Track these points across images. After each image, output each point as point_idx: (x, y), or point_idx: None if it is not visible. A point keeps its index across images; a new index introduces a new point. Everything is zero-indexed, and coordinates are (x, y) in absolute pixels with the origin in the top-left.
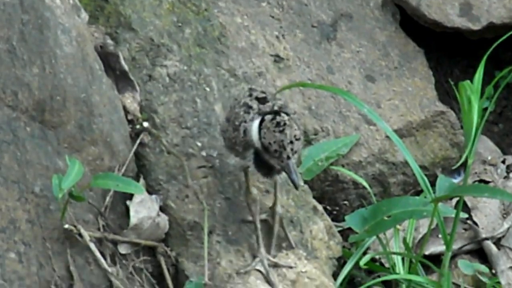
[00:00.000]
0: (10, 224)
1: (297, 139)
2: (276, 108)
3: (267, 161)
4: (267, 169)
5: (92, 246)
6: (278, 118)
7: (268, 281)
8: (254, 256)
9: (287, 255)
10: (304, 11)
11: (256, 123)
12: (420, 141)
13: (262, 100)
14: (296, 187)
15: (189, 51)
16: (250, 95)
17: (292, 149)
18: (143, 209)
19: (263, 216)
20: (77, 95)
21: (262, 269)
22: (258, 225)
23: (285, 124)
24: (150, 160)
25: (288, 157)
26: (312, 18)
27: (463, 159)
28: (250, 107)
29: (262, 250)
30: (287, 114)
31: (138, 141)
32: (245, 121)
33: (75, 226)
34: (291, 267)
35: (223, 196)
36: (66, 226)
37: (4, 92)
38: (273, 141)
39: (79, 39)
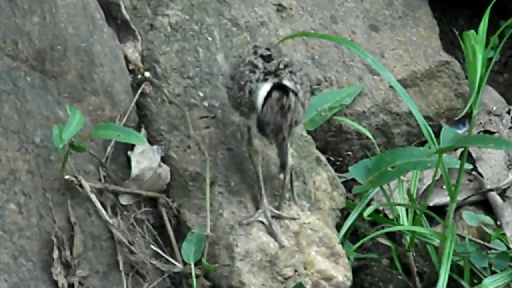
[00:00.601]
0: (10, 175)
1: (296, 123)
2: (282, 65)
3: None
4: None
5: (93, 197)
6: (284, 100)
7: (270, 232)
8: (257, 208)
9: (290, 206)
10: None
11: (262, 92)
12: (424, 91)
13: (267, 58)
14: (282, 166)
15: (191, 0)
16: (255, 53)
17: (289, 133)
18: (145, 159)
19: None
20: (78, 44)
21: (264, 220)
22: (261, 177)
23: (289, 107)
24: (152, 110)
25: (283, 139)
26: None
27: (466, 108)
28: (256, 66)
29: (265, 201)
30: (295, 94)
31: (139, 91)
32: (251, 81)
33: (75, 177)
34: (294, 219)
35: (225, 147)
36: (67, 177)
37: (4, 42)
38: (273, 121)
39: None
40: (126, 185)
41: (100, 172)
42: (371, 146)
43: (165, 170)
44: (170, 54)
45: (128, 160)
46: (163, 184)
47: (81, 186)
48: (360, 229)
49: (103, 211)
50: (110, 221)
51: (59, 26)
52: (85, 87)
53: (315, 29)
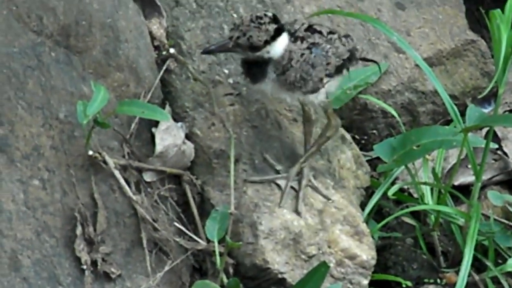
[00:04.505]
0: (34, 151)
1: (241, 45)
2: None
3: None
4: (249, 73)
5: (117, 173)
6: (263, 15)
7: (295, 210)
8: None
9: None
10: None
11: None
12: (450, 70)
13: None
14: (203, 50)
15: None
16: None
17: (238, 38)
18: (169, 136)
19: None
20: (103, 20)
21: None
22: (310, 143)
23: (259, 20)
24: (176, 87)
25: (230, 38)
26: None
27: (490, 86)
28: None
29: (306, 170)
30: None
31: (164, 68)
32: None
33: (99, 153)
34: (329, 199)
35: (250, 124)
36: (91, 152)
37: (29, 17)
38: (241, 17)
39: None
40: (150, 162)
41: (124, 148)
42: (396, 125)
43: (189, 147)
44: (195, 30)
45: (152, 136)
46: (187, 162)
47: (105, 162)
48: (384, 208)
49: (127, 187)
50: (134, 197)
51: (84, 1)
52: (109, 63)
53: (341, 7)
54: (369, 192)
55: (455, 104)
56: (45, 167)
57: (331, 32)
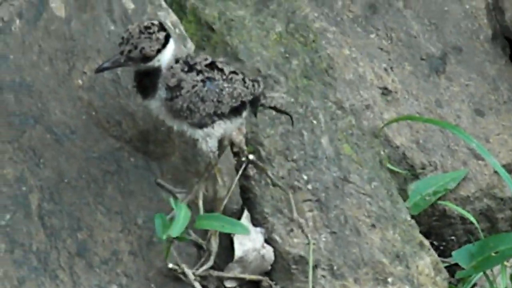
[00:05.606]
0: (113, 256)
1: (139, 50)
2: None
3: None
4: (140, 85)
5: (197, 285)
6: (151, 24)
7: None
8: None
9: None
10: (413, 43)
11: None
12: None
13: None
14: (96, 69)
15: (296, 82)
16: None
17: (130, 52)
18: (248, 241)
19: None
20: None
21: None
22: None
23: (148, 30)
24: (256, 193)
25: (121, 52)
26: (421, 51)
27: None
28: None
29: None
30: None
31: (241, 172)
32: None
33: (178, 265)
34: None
35: (329, 230)
36: (170, 265)
37: (109, 122)
38: (125, 30)
39: None
40: (230, 268)
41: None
42: (474, 231)
43: (268, 251)
44: (275, 137)
45: (232, 241)
46: (267, 265)
47: (184, 274)
48: None
49: None
50: None
51: None
52: (188, 169)
53: (420, 113)
54: None
55: None
56: (123, 273)
57: (234, 72)
